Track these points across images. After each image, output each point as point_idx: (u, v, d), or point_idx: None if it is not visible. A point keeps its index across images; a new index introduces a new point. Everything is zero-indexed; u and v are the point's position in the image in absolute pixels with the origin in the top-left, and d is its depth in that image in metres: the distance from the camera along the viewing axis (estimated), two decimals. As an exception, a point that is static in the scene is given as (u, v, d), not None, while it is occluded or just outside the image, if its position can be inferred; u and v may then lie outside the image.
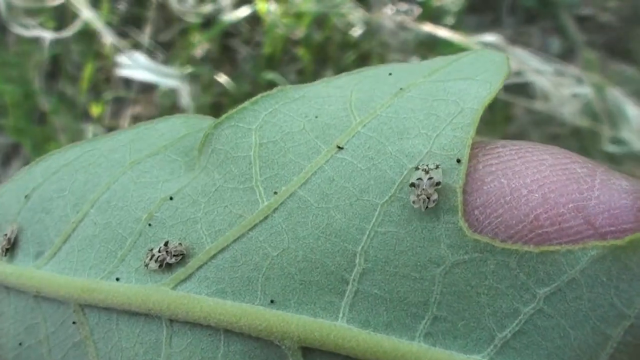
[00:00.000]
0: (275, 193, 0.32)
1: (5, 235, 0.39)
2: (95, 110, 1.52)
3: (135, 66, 1.42)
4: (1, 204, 0.41)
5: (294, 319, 0.30)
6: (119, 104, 1.56)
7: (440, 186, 0.29)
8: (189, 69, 1.52)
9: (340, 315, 0.30)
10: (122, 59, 1.44)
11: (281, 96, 0.36)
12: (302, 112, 0.35)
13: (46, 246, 0.37)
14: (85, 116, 1.53)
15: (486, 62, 0.35)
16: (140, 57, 1.45)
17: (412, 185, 0.30)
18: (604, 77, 1.57)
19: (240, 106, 0.36)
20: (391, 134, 0.32)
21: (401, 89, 0.34)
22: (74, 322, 0.34)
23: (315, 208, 0.31)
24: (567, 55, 1.70)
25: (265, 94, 0.36)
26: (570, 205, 0.28)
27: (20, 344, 0.36)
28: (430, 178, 0.29)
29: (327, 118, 0.34)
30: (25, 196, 0.40)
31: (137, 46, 1.56)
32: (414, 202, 0.29)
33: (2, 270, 0.38)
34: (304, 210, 0.31)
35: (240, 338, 0.31)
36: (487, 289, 0.28)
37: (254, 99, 0.36)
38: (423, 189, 0.29)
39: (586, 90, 1.50)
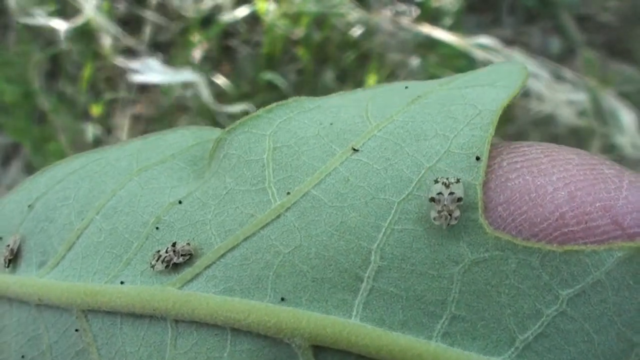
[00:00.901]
0: (288, 193, 0.31)
1: (8, 246, 0.38)
2: (95, 110, 1.51)
3: (149, 70, 1.42)
4: (4, 215, 0.40)
5: (305, 315, 0.29)
6: (118, 103, 1.55)
7: (461, 202, 0.28)
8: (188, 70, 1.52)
9: (354, 313, 0.28)
10: (135, 65, 1.44)
11: (296, 106, 0.35)
12: (316, 120, 0.34)
13: (50, 255, 0.36)
14: (85, 116, 1.52)
15: (503, 71, 0.34)
16: (153, 62, 1.45)
17: (432, 200, 0.28)
18: (603, 77, 1.57)
19: (253, 114, 0.35)
20: (408, 137, 0.31)
21: (418, 96, 0.34)
22: (76, 330, 0.33)
23: (329, 207, 0.30)
24: (567, 55, 1.70)
25: (280, 102, 0.35)
26: (597, 205, 0.27)
27: (22, 356, 0.35)
28: (451, 193, 0.28)
29: (342, 124, 0.33)
30: (29, 206, 0.39)
31: (137, 44, 1.55)
32: (434, 218, 0.28)
33: (5, 281, 0.37)
34: (317, 209, 0.30)
35: (247, 337, 0.30)
36: (508, 288, 0.27)
37: (268, 107, 0.35)
38: (444, 205, 0.28)
39: (582, 97, 1.50)
